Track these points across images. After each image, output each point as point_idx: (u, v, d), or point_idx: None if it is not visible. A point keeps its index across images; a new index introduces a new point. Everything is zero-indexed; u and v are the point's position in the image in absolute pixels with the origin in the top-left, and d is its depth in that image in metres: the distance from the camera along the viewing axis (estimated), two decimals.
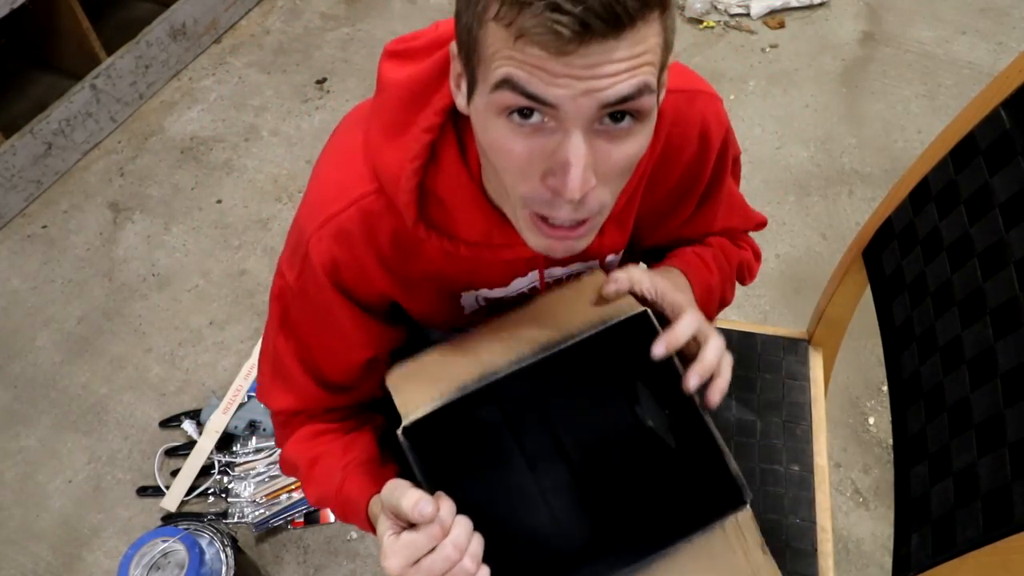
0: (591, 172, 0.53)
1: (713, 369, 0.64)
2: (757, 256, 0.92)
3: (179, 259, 1.87)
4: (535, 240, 0.60)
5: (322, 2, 2.47)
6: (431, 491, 0.61)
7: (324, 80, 2.24)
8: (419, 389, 0.66)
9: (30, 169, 1.95)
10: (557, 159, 0.52)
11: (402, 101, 0.62)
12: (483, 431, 0.72)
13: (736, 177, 0.85)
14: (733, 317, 1.63)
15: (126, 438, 1.59)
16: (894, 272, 0.88)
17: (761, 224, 0.91)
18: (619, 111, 0.51)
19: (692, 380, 0.63)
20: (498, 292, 0.75)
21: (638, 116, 0.52)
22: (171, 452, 1.55)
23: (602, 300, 0.71)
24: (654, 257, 0.88)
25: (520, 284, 0.75)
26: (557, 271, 0.76)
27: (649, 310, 0.68)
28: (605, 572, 0.67)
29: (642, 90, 0.50)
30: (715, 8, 2.34)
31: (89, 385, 1.67)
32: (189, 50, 2.28)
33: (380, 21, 2.41)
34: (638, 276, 0.69)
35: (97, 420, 1.62)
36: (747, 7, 2.31)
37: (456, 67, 0.56)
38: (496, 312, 0.75)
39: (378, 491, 0.66)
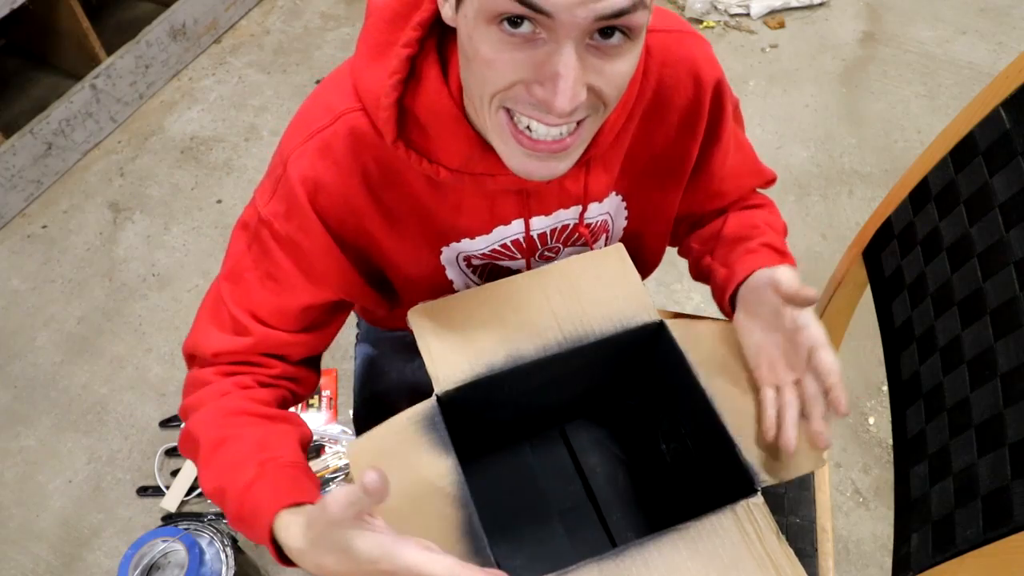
0: (581, 86, 0.53)
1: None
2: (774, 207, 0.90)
3: (179, 259, 1.87)
4: (515, 158, 0.59)
5: (322, 2, 2.47)
6: (459, 459, 0.63)
7: None
8: (449, 353, 0.68)
9: (30, 169, 1.95)
10: (546, 71, 0.52)
11: (384, 22, 0.62)
12: (496, 408, 0.73)
13: (740, 128, 0.84)
14: None
15: (126, 438, 1.59)
16: (894, 272, 0.88)
17: (772, 180, 0.89)
18: (611, 26, 0.51)
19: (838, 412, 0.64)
20: (481, 243, 0.74)
21: (629, 33, 0.52)
22: (171, 452, 1.55)
23: (620, 288, 0.72)
24: (698, 256, 0.86)
25: (504, 234, 0.74)
26: (542, 221, 0.75)
27: (666, 321, 0.71)
28: (611, 547, 0.67)
29: (637, 5, 0.50)
30: (715, 8, 2.34)
31: (89, 385, 1.67)
32: (189, 50, 2.28)
33: None
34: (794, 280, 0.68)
35: (97, 420, 1.62)
36: (747, 7, 2.31)
37: None
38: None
39: (289, 505, 0.59)
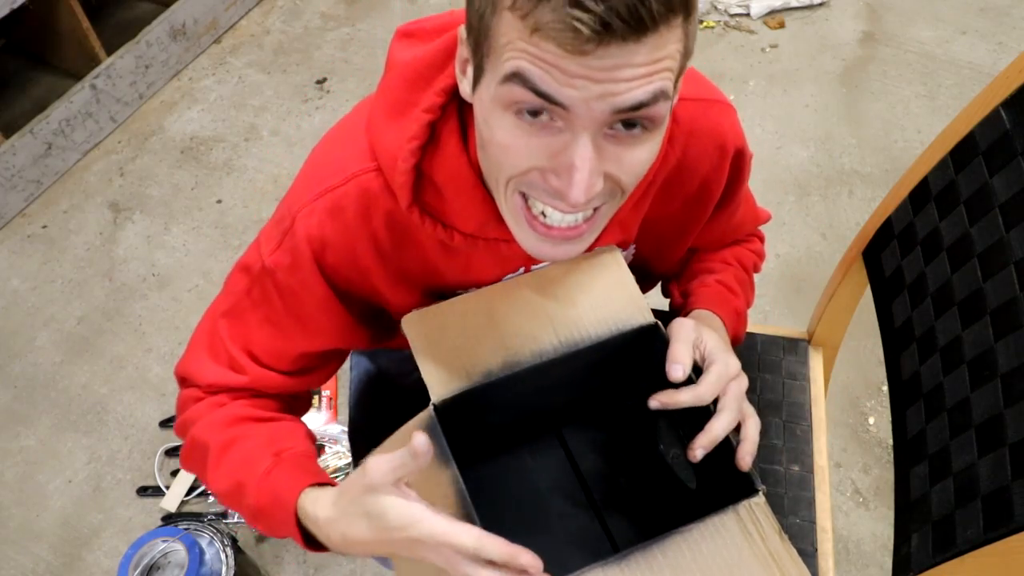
0: (597, 177, 0.51)
1: (716, 442, 0.64)
2: (762, 239, 0.92)
3: (179, 259, 1.87)
4: (528, 241, 0.58)
5: (322, 2, 2.48)
6: (459, 468, 0.62)
7: (324, 80, 2.24)
8: (444, 361, 0.68)
9: (30, 169, 1.95)
10: (562, 161, 0.51)
11: (406, 81, 0.61)
12: (492, 414, 0.73)
13: (747, 175, 0.85)
14: None
15: (126, 438, 1.59)
16: (894, 272, 0.88)
17: (766, 220, 0.91)
18: (632, 118, 0.50)
19: (698, 452, 0.64)
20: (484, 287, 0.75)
21: (650, 124, 0.51)
22: (171, 452, 1.55)
23: (614, 291, 0.72)
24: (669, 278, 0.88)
25: (508, 277, 0.74)
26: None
27: (660, 323, 0.71)
28: (613, 551, 0.67)
29: (658, 97, 0.49)
30: (715, 8, 2.34)
31: (89, 385, 1.67)
32: (189, 50, 2.28)
33: (380, 21, 2.41)
34: (690, 336, 0.67)
35: (97, 420, 1.62)
36: (747, 7, 2.31)
37: (463, 52, 0.55)
38: None
39: (311, 484, 0.63)
